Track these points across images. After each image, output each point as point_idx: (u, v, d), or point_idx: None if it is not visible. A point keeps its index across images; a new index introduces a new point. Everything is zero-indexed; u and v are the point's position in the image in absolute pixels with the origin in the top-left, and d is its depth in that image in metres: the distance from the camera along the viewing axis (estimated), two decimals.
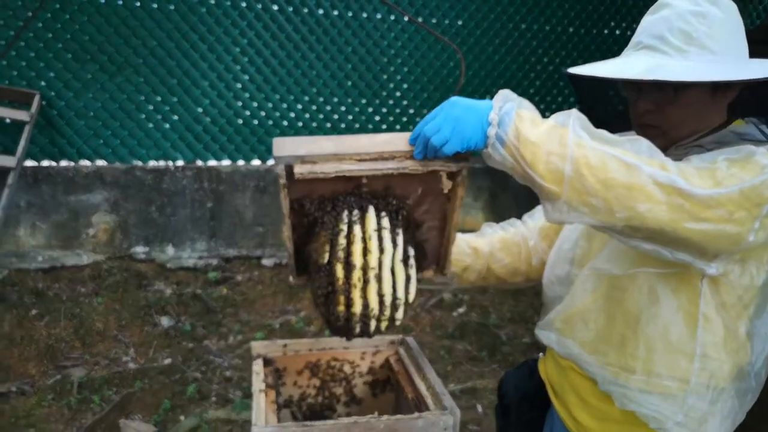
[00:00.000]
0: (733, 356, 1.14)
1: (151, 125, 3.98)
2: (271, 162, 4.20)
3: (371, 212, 1.15)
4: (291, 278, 1.31)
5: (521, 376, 1.49)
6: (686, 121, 1.16)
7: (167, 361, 3.42)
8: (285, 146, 1.08)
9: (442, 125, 1.02)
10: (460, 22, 4.49)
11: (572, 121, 1.01)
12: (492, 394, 3.40)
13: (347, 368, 1.69)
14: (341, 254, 1.13)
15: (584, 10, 4.72)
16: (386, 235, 1.15)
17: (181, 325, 3.65)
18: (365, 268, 1.14)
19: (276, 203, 4.06)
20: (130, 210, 3.88)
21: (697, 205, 0.98)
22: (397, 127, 4.47)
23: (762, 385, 1.21)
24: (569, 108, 1.08)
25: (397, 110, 4.45)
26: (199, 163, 4.07)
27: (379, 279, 1.15)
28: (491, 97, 1.07)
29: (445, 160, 1.08)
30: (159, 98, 3.98)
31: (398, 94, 4.44)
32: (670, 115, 1.16)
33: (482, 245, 1.48)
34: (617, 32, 4.85)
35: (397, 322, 1.19)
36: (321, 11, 4.19)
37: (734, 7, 1.16)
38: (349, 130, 4.34)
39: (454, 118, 1.02)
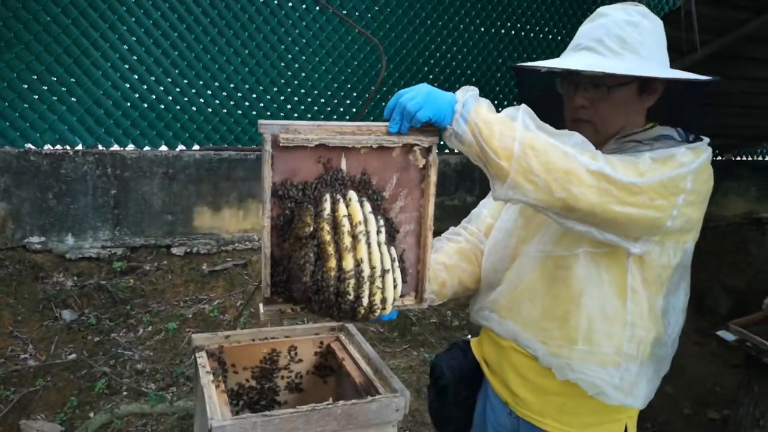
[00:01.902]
0: (655, 325, 1.33)
1: (44, 107, 3.71)
2: (180, 148, 4.08)
3: (352, 192, 1.21)
4: (261, 307, 1.23)
5: (454, 357, 1.63)
6: (615, 119, 1.33)
7: (72, 356, 3.26)
8: (269, 121, 1.17)
9: (416, 95, 1.16)
10: (369, 15, 4.58)
11: (521, 112, 1.17)
12: (404, 373, 3.59)
13: (289, 356, 1.76)
14: (327, 216, 1.16)
15: (504, 12, 5.02)
16: (368, 208, 1.19)
17: (85, 318, 3.49)
18: (353, 228, 1.15)
19: (186, 192, 3.97)
20: (23, 197, 3.62)
21: (621, 190, 1.14)
22: (309, 115, 4.49)
23: (674, 353, 1.40)
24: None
25: (309, 99, 4.48)
26: (102, 148, 3.86)
27: (367, 244, 1.15)
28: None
29: (418, 134, 1.20)
30: (54, 78, 3.73)
31: (310, 83, 4.47)
32: (602, 112, 1.31)
33: (445, 259, 1.53)
34: (531, 34, 5.19)
35: (387, 305, 1.18)
36: None
37: (660, 22, 1.35)
38: (261, 117, 4.29)
39: (427, 92, 1.16)
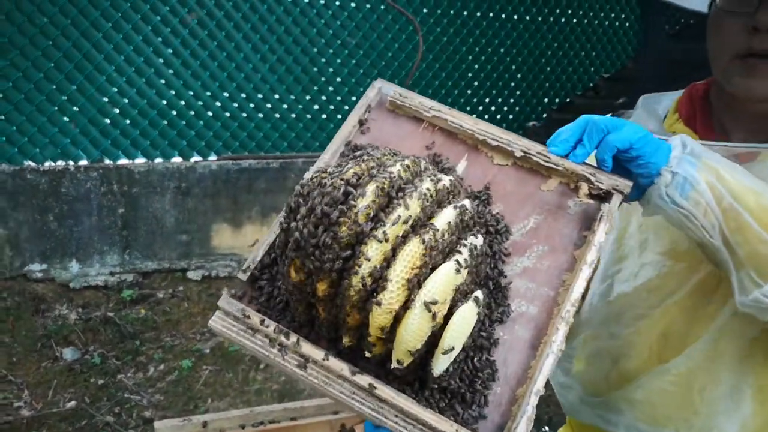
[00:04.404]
0: None
1: (44, 119, 3.33)
2: (195, 158, 3.64)
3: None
4: (221, 299, 0.72)
5: None
6: None
7: (71, 403, 2.82)
8: None
9: (611, 117, 0.76)
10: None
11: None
12: None
13: None
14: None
15: None
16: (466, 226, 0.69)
17: (88, 357, 3.06)
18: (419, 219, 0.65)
19: (203, 208, 3.51)
20: (21, 221, 3.23)
21: None
22: (339, 116, 3.99)
23: None
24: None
25: (338, 97, 3.98)
26: (107, 162, 3.45)
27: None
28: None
29: (595, 170, 0.76)
30: (54, 86, 3.34)
31: (339, 79, 3.97)
32: None
33: None
34: (585, 21, 4.56)
35: (431, 287, 0.62)
36: None
37: None
38: (285, 121, 3.83)
39: (625, 121, 0.77)
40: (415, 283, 0.62)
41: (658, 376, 0.90)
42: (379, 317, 0.61)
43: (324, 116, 3.94)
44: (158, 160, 3.57)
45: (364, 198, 0.62)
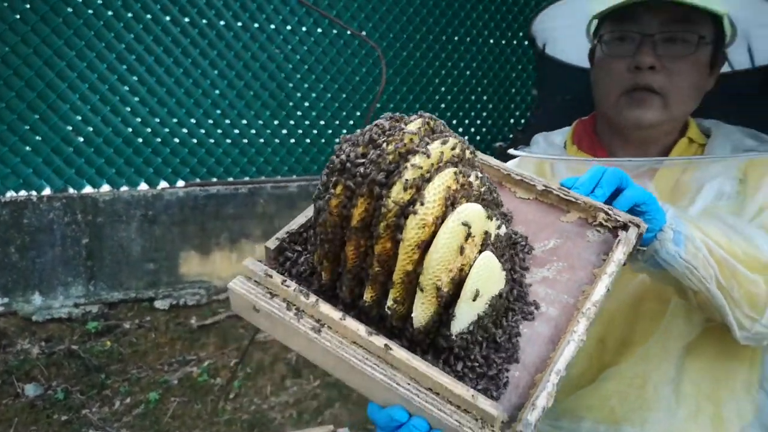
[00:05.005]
0: None
1: (5, 149, 3.27)
2: (162, 185, 3.60)
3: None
4: (246, 261, 0.73)
5: None
6: (690, 94, 0.98)
7: None
8: None
9: (621, 171, 0.83)
10: (370, 25, 4.10)
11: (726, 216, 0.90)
12: None
13: None
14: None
15: (504, 20, 4.48)
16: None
17: (51, 392, 2.98)
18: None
19: (170, 236, 3.47)
20: None
21: None
22: (307, 140, 4.00)
23: None
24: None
25: (306, 122, 3.99)
26: (71, 191, 3.39)
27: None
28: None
29: (612, 208, 0.82)
30: (15, 116, 3.28)
31: (306, 104, 3.98)
32: (678, 79, 0.94)
33: None
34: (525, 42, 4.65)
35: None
36: (213, 11, 3.65)
37: None
38: (253, 146, 3.82)
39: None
40: (449, 204, 0.63)
41: (613, 379, 0.97)
42: (412, 231, 0.61)
43: (292, 141, 3.95)
44: (124, 188, 3.52)
45: (412, 123, 0.67)
